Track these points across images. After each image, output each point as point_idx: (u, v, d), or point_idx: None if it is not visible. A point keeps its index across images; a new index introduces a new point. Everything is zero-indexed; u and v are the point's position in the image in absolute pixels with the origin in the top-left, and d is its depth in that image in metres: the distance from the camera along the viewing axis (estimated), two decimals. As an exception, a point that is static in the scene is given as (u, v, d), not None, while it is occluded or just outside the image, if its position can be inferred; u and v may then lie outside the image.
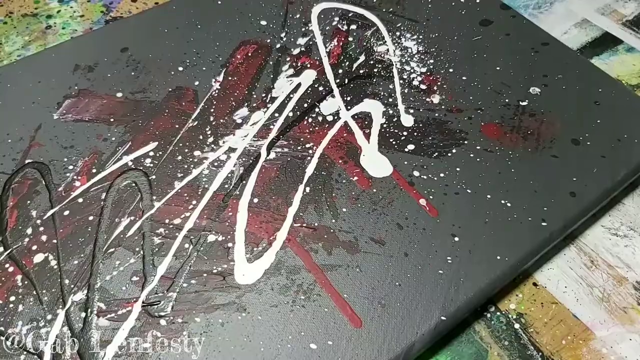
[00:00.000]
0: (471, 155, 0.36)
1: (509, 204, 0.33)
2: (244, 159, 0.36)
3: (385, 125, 0.37)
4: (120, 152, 0.36)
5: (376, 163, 0.35)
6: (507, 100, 0.38)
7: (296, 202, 0.34)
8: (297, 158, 0.36)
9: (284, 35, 0.43)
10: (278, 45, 0.42)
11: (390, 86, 0.40)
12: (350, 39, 0.43)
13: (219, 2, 0.45)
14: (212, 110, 0.38)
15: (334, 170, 0.35)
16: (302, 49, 0.42)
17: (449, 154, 0.36)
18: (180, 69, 0.40)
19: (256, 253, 0.32)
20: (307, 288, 0.30)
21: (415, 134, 0.37)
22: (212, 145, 0.36)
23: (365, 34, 0.43)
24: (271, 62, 0.41)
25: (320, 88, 0.40)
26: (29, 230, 0.32)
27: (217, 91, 0.39)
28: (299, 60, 0.41)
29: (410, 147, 0.36)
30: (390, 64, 0.41)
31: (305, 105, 0.39)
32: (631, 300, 0.32)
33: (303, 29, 0.43)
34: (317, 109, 0.38)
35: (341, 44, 0.42)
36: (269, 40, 0.42)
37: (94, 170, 0.35)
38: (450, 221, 0.33)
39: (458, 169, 0.35)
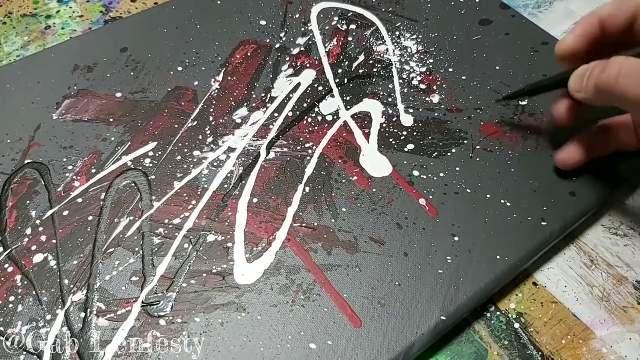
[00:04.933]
0: (470, 154, 0.36)
1: (508, 204, 0.33)
2: (243, 159, 0.36)
3: (384, 125, 0.37)
4: (120, 152, 0.36)
5: (376, 162, 0.35)
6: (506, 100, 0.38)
7: (295, 201, 0.34)
8: (297, 158, 0.36)
9: (283, 35, 0.43)
10: (277, 45, 0.42)
11: (390, 86, 0.40)
12: (350, 38, 0.43)
13: (218, 2, 0.45)
14: (211, 110, 0.38)
15: (334, 170, 0.35)
16: (302, 48, 0.42)
17: (449, 154, 0.36)
18: (180, 68, 0.40)
19: (255, 253, 0.32)
20: (307, 288, 0.30)
21: (414, 133, 0.37)
22: (212, 145, 0.36)
23: (365, 34, 0.43)
24: (270, 62, 0.41)
25: (320, 88, 0.40)
26: (28, 230, 0.32)
27: (216, 91, 0.39)
28: (299, 60, 0.41)
29: (410, 146, 0.36)
30: (390, 63, 0.41)
31: (305, 104, 0.39)
32: (631, 300, 0.32)
33: (302, 29, 0.43)
34: (316, 109, 0.38)
35: (340, 43, 0.42)
36: (268, 40, 0.42)
37: (93, 170, 0.35)
38: (449, 221, 0.33)
39: (457, 169, 0.35)
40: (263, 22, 0.44)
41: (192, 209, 0.33)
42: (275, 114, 0.38)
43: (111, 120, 0.37)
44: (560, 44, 0.32)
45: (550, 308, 0.32)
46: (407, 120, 0.38)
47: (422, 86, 0.40)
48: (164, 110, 0.38)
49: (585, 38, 0.31)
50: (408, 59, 0.41)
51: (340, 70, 0.41)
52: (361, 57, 0.41)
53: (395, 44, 0.42)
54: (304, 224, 0.33)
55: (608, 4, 0.32)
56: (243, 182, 0.35)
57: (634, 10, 0.31)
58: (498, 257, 0.31)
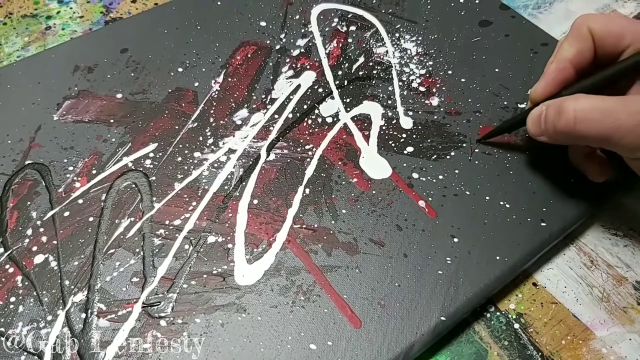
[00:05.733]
0: (469, 157, 0.36)
1: (507, 205, 0.33)
2: (243, 160, 0.36)
3: (384, 127, 0.37)
4: (120, 153, 0.36)
5: (375, 165, 0.35)
6: (505, 103, 0.39)
7: (296, 203, 0.34)
8: (297, 159, 0.36)
9: (283, 36, 0.43)
10: (278, 47, 0.42)
11: (390, 88, 0.40)
12: (350, 40, 0.43)
13: (219, 3, 0.45)
14: (212, 111, 0.38)
15: (334, 172, 0.35)
16: (302, 50, 0.42)
17: (448, 157, 0.36)
18: (180, 70, 0.40)
19: (256, 254, 0.32)
20: (307, 289, 0.30)
21: (414, 136, 0.37)
22: (212, 147, 0.36)
23: (365, 35, 0.43)
24: (271, 64, 0.41)
25: (320, 89, 0.40)
26: (29, 231, 0.32)
27: (216, 92, 0.39)
28: (299, 62, 0.41)
29: (409, 149, 0.36)
30: (390, 65, 0.41)
31: (305, 106, 0.39)
32: (631, 300, 0.32)
33: (302, 30, 0.43)
34: (316, 111, 0.38)
35: (340, 45, 0.43)
36: (268, 42, 0.42)
37: (94, 171, 0.35)
38: (449, 222, 0.33)
39: (457, 171, 0.35)
40: (263, 24, 0.44)
41: (192, 210, 0.33)
42: (276, 116, 0.38)
43: (112, 121, 0.37)
44: (534, 91, 0.33)
45: (550, 308, 0.32)
46: (406, 122, 0.38)
47: (422, 89, 0.40)
48: (165, 111, 0.38)
49: (557, 84, 0.32)
50: (408, 61, 0.41)
51: (340, 72, 0.41)
52: (361, 59, 0.42)
53: (395, 46, 0.42)
54: (304, 226, 0.33)
55: (566, 41, 0.32)
56: (243, 183, 0.35)
57: (591, 43, 0.31)
58: (498, 258, 0.31)
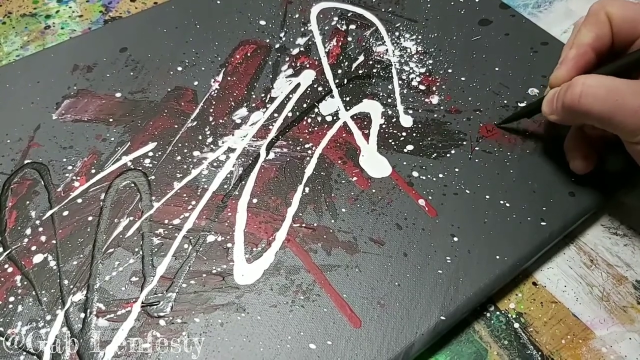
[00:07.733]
0: (470, 156, 0.36)
1: (507, 204, 0.33)
2: (243, 159, 0.36)
3: (384, 126, 0.37)
4: (120, 153, 0.36)
5: (375, 163, 0.35)
6: (505, 101, 0.38)
7: (295, 202, 0.34)
8: (296, 158, 0.36)
9: (283, 35, 0.43)
10: (277, 45, 0.42)
11: (389, 87, 0.40)
12: (349, 39, 0.43)
13: (218, 2, 0.45)
14: (211, 110, 0.38)
15: (333, 171, 0.35)
16: (301, 49, 0.42)
17: (448, 155, 0.36)
18: (179, 69, 0.40)
19: (255, 253, 0.32)
20: (307, 288, 0.30)
21: (414, 134, 0.37)
22: (212, 146, 0.36)
23: (365, 34, 0.43)
24: (270, 62, 0.41)
25: (320, 88, 0.40)
26: (28, 231, 0.32)
27: (216, 91, 0.39)
28: (298, 60, 0.41)
29: (409, 147, 0.36)
30: (389, 64, 0.41)
31: (305, 105, 0.39)
32: (631, 299, 0.32)
33: (302, 29, 0.43)
34: (316, 109, 0.38)
35: (340, 44, 0.42)
36: (268, 40, 0.42)
37: (93, 171, 0.35)
38: (449, 221, 0.33)
39: (457, 170, 0.35)
40: (263, 22, 0.44)
41: (192, 210, 0.33)
42: (275, 115, 0.38)
43: (111, 120, 0.37)
44: (554, 77, 0.32)
45: (550, 308, 0.32)
46: (406, 121, 0.38)
47: (422, 87, 0.40)
48: (164, 110, 0.38)
49: (578, 70, 0.32)
50: (408, 59, 0.41)
51: (340, 71, 0.41)
52: (361, 58, 0.41)
53: (395, 44, 0.42)
54: (303, 225, 0.33)
55: (584, 26, 0.32)
56: (243, 182, 0.35)
57: (609, 28, 0.31)
58: (498, 257, 0.31)
